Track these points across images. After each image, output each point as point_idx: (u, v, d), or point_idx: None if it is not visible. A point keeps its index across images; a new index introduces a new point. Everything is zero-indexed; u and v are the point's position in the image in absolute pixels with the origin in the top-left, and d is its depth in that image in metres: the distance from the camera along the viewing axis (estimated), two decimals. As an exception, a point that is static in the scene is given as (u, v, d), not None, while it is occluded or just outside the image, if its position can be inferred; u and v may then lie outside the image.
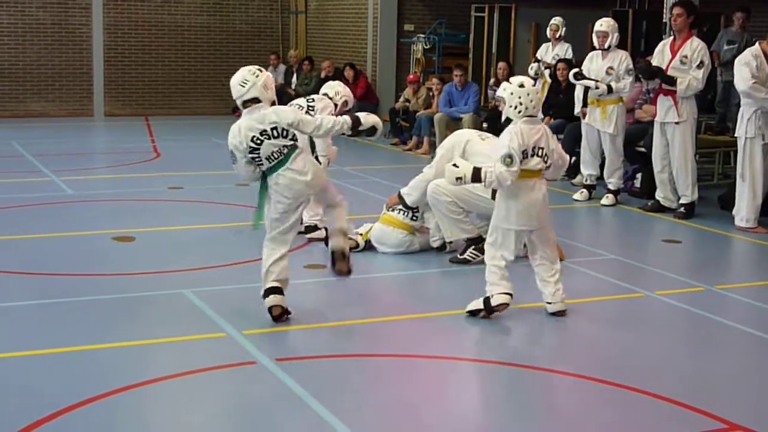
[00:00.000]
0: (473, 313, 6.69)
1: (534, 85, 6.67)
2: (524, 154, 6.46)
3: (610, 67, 11.03)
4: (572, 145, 12.41)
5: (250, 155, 6.34)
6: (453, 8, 18.52)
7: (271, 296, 6.38)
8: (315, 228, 8.89)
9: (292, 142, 6.33)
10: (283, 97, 19.40)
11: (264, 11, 21.00)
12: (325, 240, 8.35)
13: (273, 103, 6.49)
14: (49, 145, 15.24)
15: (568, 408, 5.39)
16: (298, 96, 18.33)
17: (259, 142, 6.28)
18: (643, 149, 11.35)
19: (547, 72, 13.47)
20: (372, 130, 6.67)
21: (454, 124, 14.09)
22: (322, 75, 18.14)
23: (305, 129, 6.38)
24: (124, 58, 19.86)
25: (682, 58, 10.18)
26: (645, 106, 11.84)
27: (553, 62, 13.32)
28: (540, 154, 6.52)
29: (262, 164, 6.36)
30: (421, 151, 15.03)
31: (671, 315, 7.12)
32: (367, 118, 6.63)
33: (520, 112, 6.51)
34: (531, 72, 13.52)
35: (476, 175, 6.53)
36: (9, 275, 7.60)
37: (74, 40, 19.51)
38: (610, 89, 10.93)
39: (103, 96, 19.61)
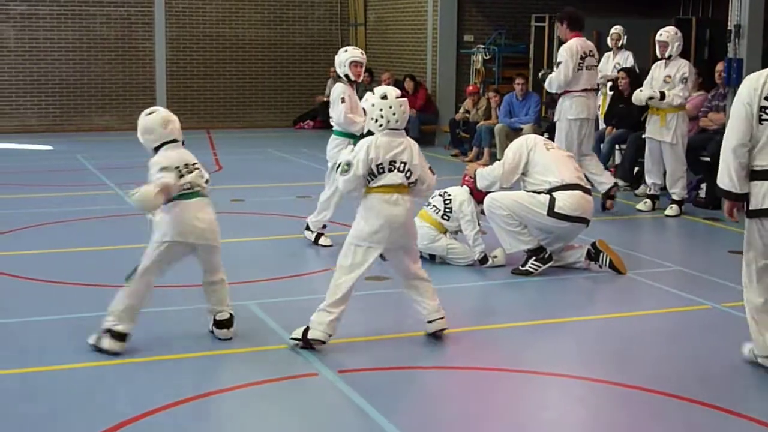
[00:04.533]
0: (296, 340, 6.20)
1: (399, 97, 6.16)
2: (379, 168, 6.08)
3: (668, 76, 10.92)
4: (635, 154, 12.30)
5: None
6: (513, 18, 18.44)
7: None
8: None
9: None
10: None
11: (324, 24, 21.10)
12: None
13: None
14: (113, 159, 15.44)
15: (629, 420, 5.31)
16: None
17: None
18: (707, 158, 11.18)
19: (608, 84, 13.35)
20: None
21: (514, 134, 14.00)
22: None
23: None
24: (186, 72, 20.08)
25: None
26: (711, 114, 11.68)
27: (615, 71, 13.20)
28: (402, 169, 6.10)
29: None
30: (481, 162, 14.95)
31: (739, 327, 6.98)
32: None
33: (381, 125, 6.11)
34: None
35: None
36: (75, 287, 7.70)
37: (137, 54, 19.78)
38: (663, 96, 10.79)
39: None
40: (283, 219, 10.58)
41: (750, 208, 5.70)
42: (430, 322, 6.38)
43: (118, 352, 6.01)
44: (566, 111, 10.86)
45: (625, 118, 12.59)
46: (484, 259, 8.31)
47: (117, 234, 9.73)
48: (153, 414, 5.14)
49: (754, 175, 5.64)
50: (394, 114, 6.10)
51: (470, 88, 16.69)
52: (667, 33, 11.06)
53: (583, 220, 8.16)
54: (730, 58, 11.17)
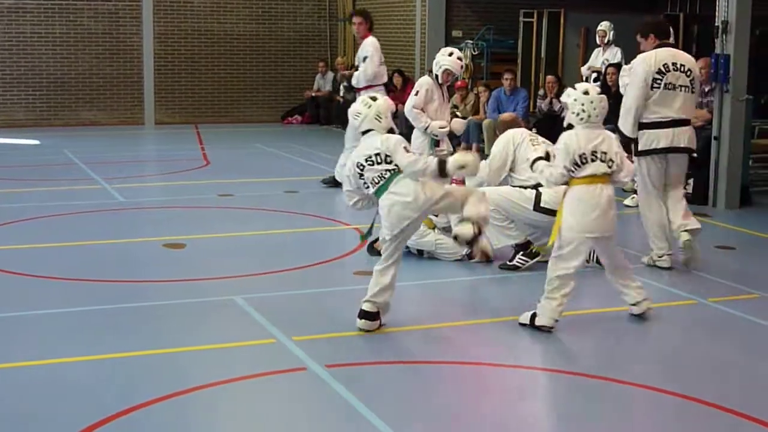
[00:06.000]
0: (523, 325, 6.62)
1: (599, 93, 6.58)
2: (582, 159, 6.42)
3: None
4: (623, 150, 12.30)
5: (360, 180, 6.45)
6: (501, 14, 18.44)
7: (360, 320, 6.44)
8: None
9: (394, 167, 6.34)
10: (330, 104, 19.48)
11: (312, 19, 21.08)
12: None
13: (390, 130, 6.52)
14: (100, 153, 15.41)
15: (618, 416, 5.33)
16: (345, 102, 18.42)
17: (361, 168, 6.40)
18: (694, 155, 11.16)
19: (593, 76, 13.37)
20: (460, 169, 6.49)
21: (502, 130, 14.00)
22: (370, 82, 18.15)
23: (398, 162, 6.35)
24: (174, 67, 20.03)
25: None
26: (697, 110, 11.68)
27: (603, 67, 13.22)
28: (603, 158, 6.45)
29: (369, 188, 6.45)
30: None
31: (725, 322, 7.02)
32: (456, 161, 6.37)
33: (582, 119, 6.47)
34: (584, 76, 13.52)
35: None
36: (62, 281, 7.68)
37: (125, 49, 19.72)
38: None
39: (153, 104, 19.78)
40: (271, 214, 10.58)
41: (639, 149, 8.03)
42: (635, 304, 6.78)
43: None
44: None
45: (613, 112, 12.58)
46: (471, 254, 8.32)
47: (104, 229, 9.71)
48: (140, 408, 5.14)
49: (643, 126, 8.01)
50: (594, 109, 6.47)
51: (458, 83, 16.67)
52: None
53: (571, 215, 8.17)
54: (717, 54, 11.18)
